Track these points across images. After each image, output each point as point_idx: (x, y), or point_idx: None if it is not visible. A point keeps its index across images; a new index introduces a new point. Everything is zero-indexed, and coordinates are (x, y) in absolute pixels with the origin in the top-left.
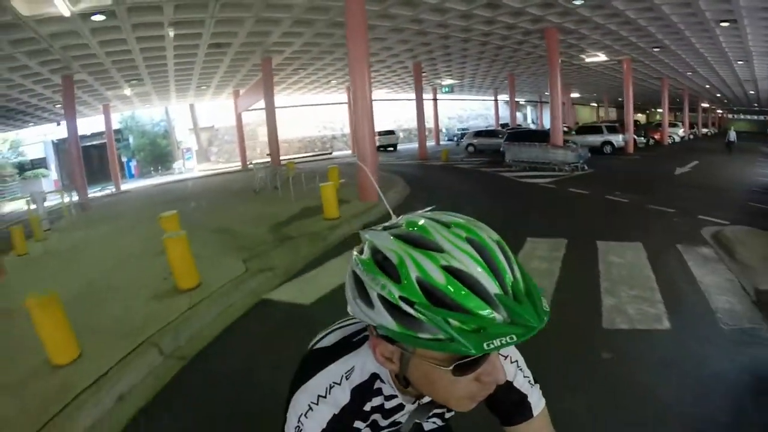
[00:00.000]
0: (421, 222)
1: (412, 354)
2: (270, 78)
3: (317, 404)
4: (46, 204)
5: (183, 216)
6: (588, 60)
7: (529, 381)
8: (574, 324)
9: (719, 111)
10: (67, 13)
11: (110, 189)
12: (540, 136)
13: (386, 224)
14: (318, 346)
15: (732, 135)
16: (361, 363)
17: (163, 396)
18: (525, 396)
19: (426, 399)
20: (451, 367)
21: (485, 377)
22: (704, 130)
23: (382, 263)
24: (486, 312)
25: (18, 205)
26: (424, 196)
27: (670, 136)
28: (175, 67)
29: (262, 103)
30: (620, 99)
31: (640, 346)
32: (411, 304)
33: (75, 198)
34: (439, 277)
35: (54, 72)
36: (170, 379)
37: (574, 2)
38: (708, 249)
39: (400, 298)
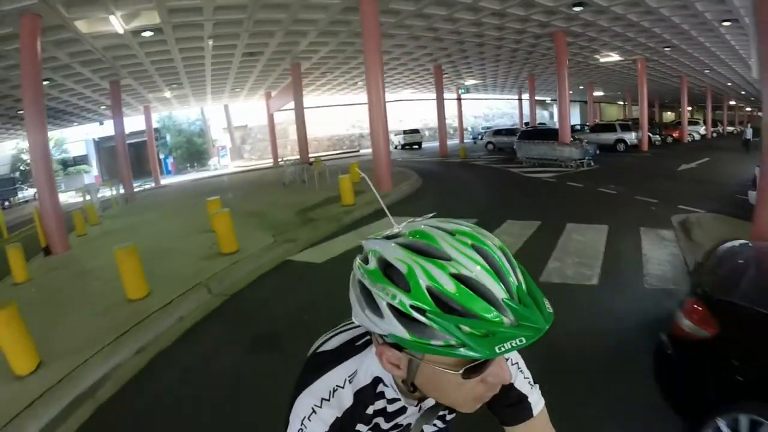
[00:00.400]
0: (425, 230)
1: (421, 360)
2: (299, 82)
3: (320, 407)
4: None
5: (222, 202)
6: (602, 60)
7: (529, 382)
8: None
9: (748, 108)
10: (121, 31)
11: (150, 184)
12: (550, 135)
13: (387, 233)
14: (321, 349)
15: (749, 132)
16: (365, 366)
17: (210, 316)
18: (525, 396)
19: (429, 401)
20: (460, 371)
21: (492, 378)
22: (730, 128)
23: (389, 273)
24: (495, 317)
25: (63, 198)
26: (433, 188)
27: (689, 134)
28: (212, 73)
29: (292, 104)
30: None
31: (562, 294)
32: (422, 312)
33: (121, 191)
34: (448, 285)
35: (103, 78)
36: (216, 307)
37: (574, 9)
38: (668, 231)
39: (411, 306)
